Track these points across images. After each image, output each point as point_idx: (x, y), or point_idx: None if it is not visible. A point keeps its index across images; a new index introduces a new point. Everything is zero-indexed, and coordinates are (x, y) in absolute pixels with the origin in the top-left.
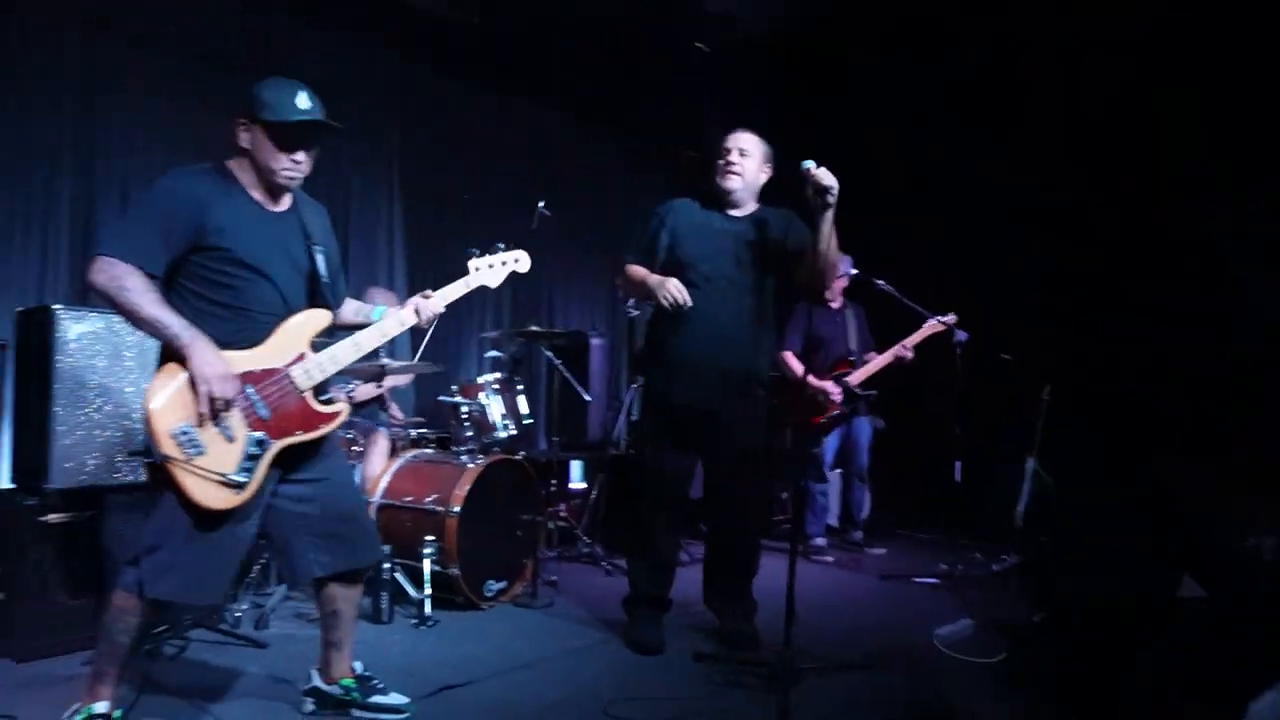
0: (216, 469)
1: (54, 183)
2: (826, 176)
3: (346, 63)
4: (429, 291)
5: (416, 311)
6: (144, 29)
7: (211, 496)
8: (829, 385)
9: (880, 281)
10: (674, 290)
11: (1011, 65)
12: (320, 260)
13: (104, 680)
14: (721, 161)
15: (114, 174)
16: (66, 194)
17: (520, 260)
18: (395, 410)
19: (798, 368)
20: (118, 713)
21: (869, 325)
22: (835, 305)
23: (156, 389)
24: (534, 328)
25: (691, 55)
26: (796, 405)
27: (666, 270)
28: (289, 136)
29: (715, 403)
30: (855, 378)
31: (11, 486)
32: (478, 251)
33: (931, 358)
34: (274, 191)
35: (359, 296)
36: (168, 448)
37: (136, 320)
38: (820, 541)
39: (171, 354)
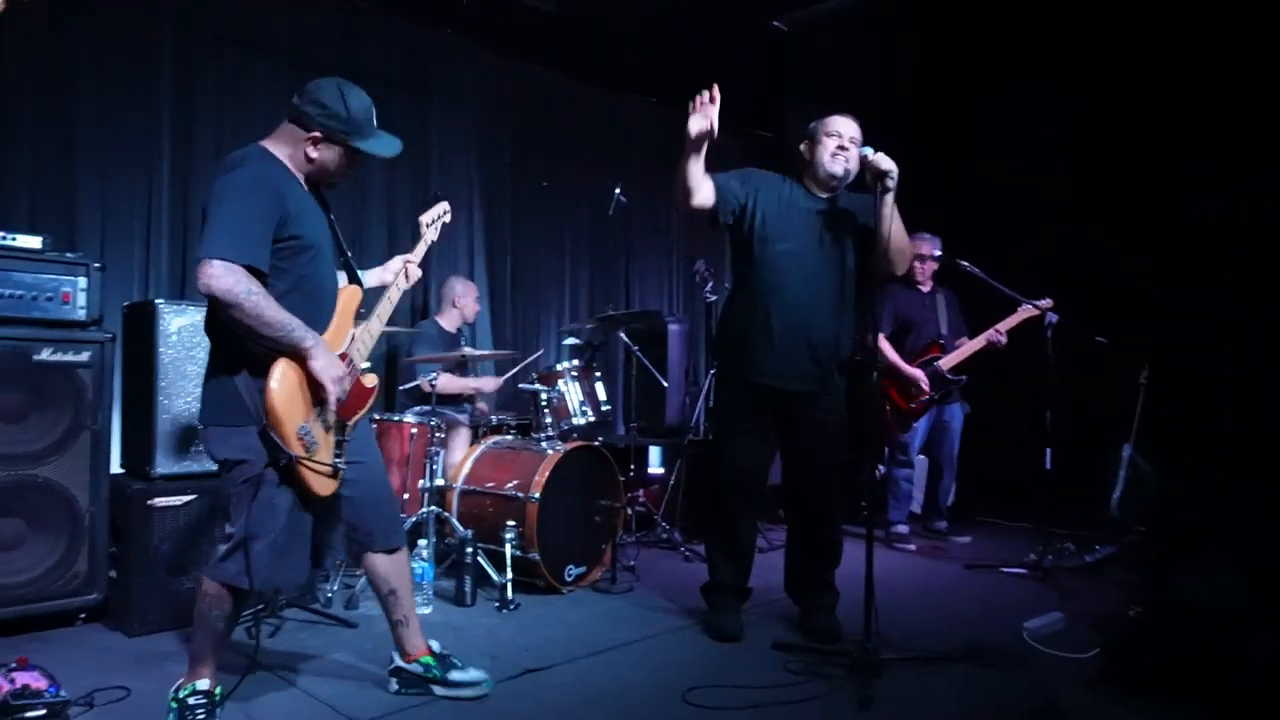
0: (326, 459)
1: (153, 181)
2: (885, 161)
3: (427, 53)
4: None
5: (406, 274)
6: (235, 28)
7: (322, 485)
8: (918, 373)
9: (965, 263)
10: (702, 110)
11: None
12: (338, 235)
13: (205, 658)
14: (834, 146)
15: (209, 172)
16: (165, 192)
17: (446, 212)
18: (482, 404)
19: (889, 352)
20: (219, 689)
21: (962, 309)
22: (925, 288)
23: (277, 392)
24: (611, 313)
25: (769, 34)
26: (887, 390)
27: (750, 244)
28: (361, 157)
29: (801, 384)
30: (946, 362)
31: (122, 471)
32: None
33: (1023, 340)
34: (313, 183)
35: (441, 288)
36: (297, 447)
37: (260, 325)
38: (903, 529)
39: (241, 343)
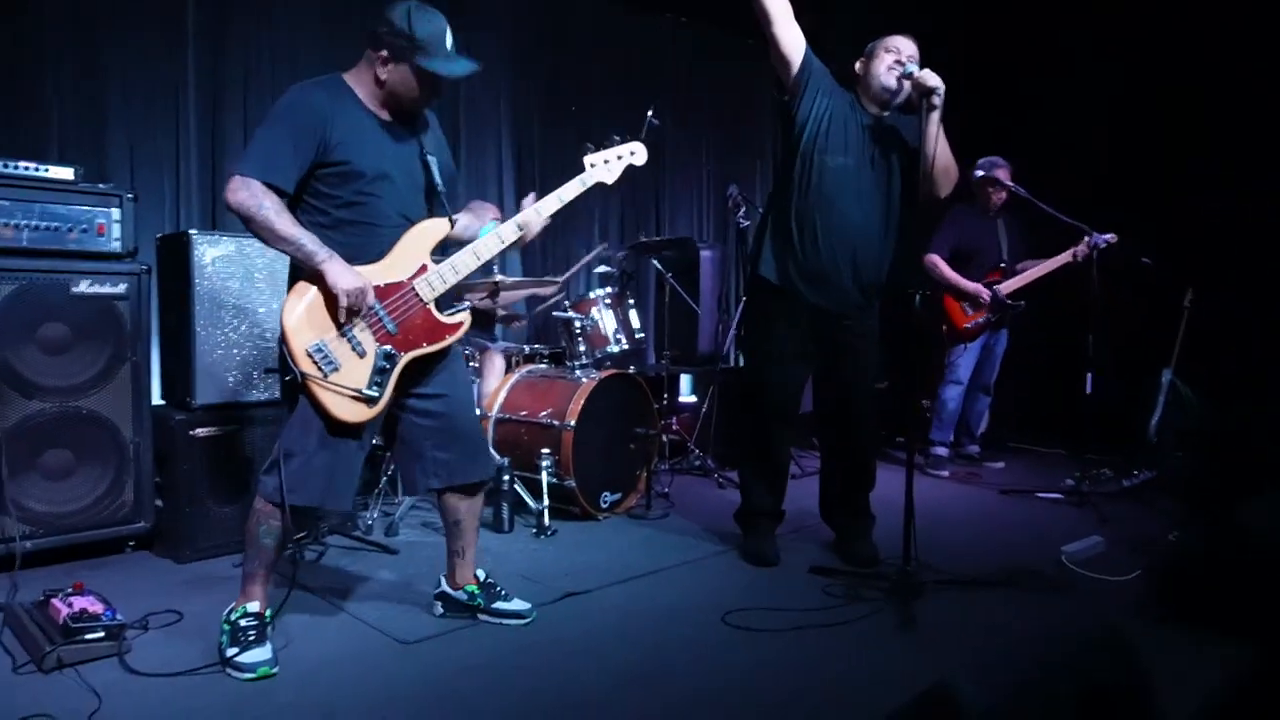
0: (351, 384)
1: (181, 114)
2: (931, 77)
3: None
4: (534, 195)
5: (537, 212)
6: None
7: (347, 410)
8: (978, 286)
9: (1019, 189)
10: None
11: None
12: (435, 170)
13: (255, 581)
14: (891, 60)
15: (237, 103)
16: (193, 121)
17: (636, 153)
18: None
19: (946, 271)
20: (269, 611)
21: (1025, 236)
22: (990, 214)
23: (290, 308)
24: (643, 240)
25: None
26: (942, 309)
27: (804, 149)
28: (439, 83)
29: (842, 306)
30: (1006, 287)
31: (162, 403)
32: (593, 147)
33: (1066, 266)
34: (399, 115)
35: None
36: (305, 365)
37: (272, 239)
38: (943, 451)
39: (301, 273)
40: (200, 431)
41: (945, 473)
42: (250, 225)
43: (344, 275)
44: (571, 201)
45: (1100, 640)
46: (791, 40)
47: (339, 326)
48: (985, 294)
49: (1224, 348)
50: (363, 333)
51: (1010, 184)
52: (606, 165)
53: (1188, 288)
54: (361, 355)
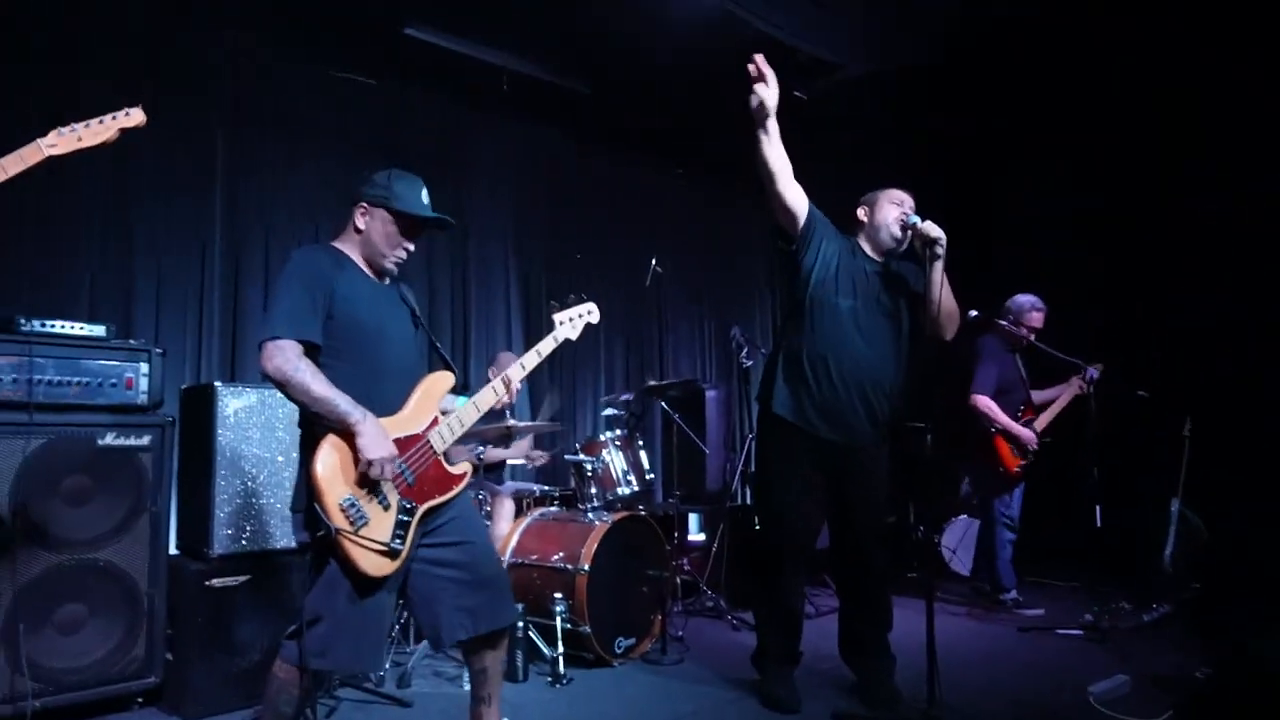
0: (378, 538)
1: (206, 266)
2: (933, 229)
3: (464, 130)
4: (512, 354)
5: (521, 366)
6: (282, 112)
7: (373, 564)
8: (1029, 433)
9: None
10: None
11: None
12: (424, 328)
13: None
14: (898, 213)
15: (258, 256)
16: (217, 276)
17: (593, 312)
18: (533, 451)
19: (1001, 415)
20: None
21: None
22: (1016, 349)
23: (321, 462)
24: (650, 383)
25: (790, 104)
26: (992, 452)
27: (812, 292)
28: (411, 227)
29: (860, 442)
30: (1040, 423)
31: (177, 552)
32: (558, 305)
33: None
34: (379, 272)
35: (483, 360)
36: (339, 520)
37: (308, 401)
38: (1014, 595)
39: (325, 427)
40: (216, 582)
41: (1040, 610)
42: (286, 389)
43: (377, 443)
44: (574, 345)
45: None
46: (794, 198)
47: (365, 481)
48: (1034, 440)
49: (1227, 472)
50: (386, 486)
51: (1038, 327)
52: (571, 323)
53: (1186, 416)
54: (386, 508)
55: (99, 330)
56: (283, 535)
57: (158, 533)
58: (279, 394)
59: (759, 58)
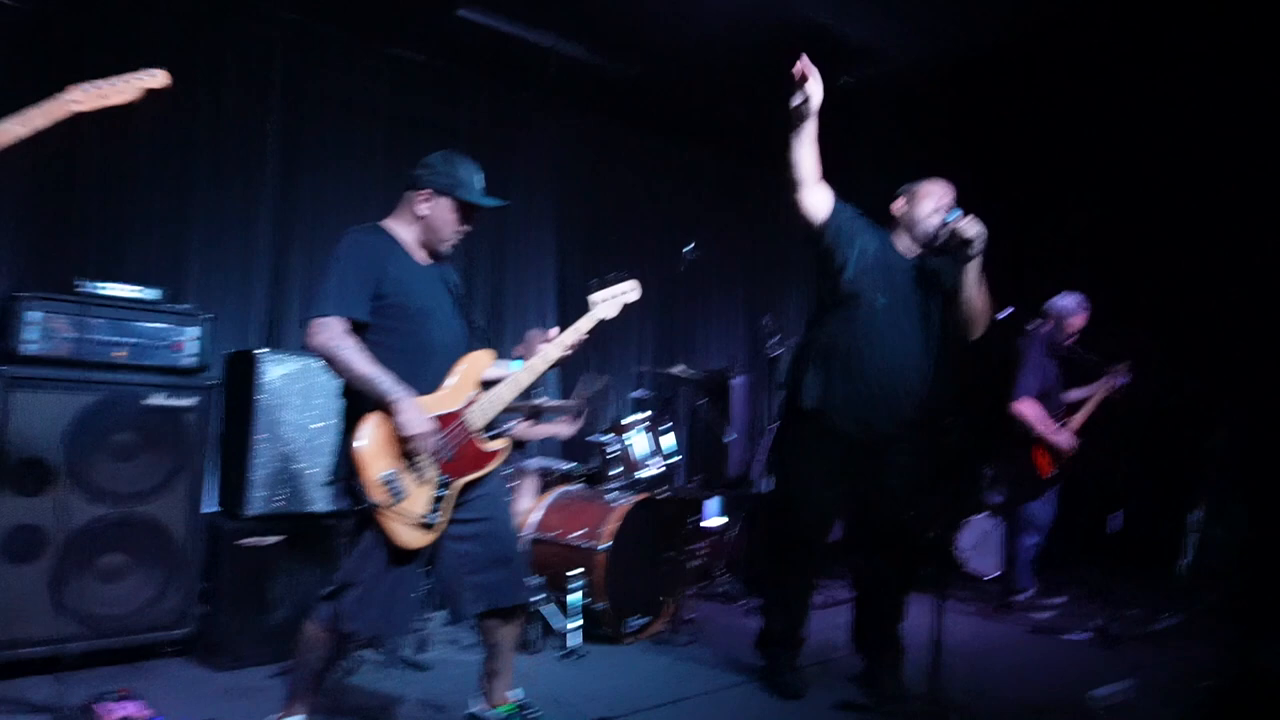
0: (416, 511)
1: (255, 237)
2: (972, 226)
3: (511, 111)
4: (554, 331)
5: (559, 344)
6: (337, 91)
7: (410, 537)
8: (1068, 440)
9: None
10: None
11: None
12: (467, 308)
13: (300, 698)
14: (934, 206)
15: (304, 227)
16: (266, 247)
17: (631, 291)
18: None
19: (1044, 423)
20: None
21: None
22: (1057, 352)
23: (362, 438)
24: (680, 367)
25: (836, 91)
26: (1025, 458)
27: (845, 288)
28: (471, 213)
29: (884, 437)
30: (1074, 426)
31: (216, 510)
32: (597, 283)
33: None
34: (433, 254)
35: (516, 335)
36: (378, 494)
37: (350, 377)
38: (1029, 594)
39: (364, 402)
40: (249, 541)
41: (1056, 606)
42: (332, 364)
43: (416, 419)
44: (608, 325)
45: None
46: (815, 204)
47: (406, 457)
48: (1072, 446)
49: (1259, 481)
50: (425, 461)
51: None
52: (608, 302)
53: (1218, 426)
54: (423, 483)
55: (153, 294)
56: (316, 500)
57: (196, 490)
58: (319, 363)
59: (804, 58)
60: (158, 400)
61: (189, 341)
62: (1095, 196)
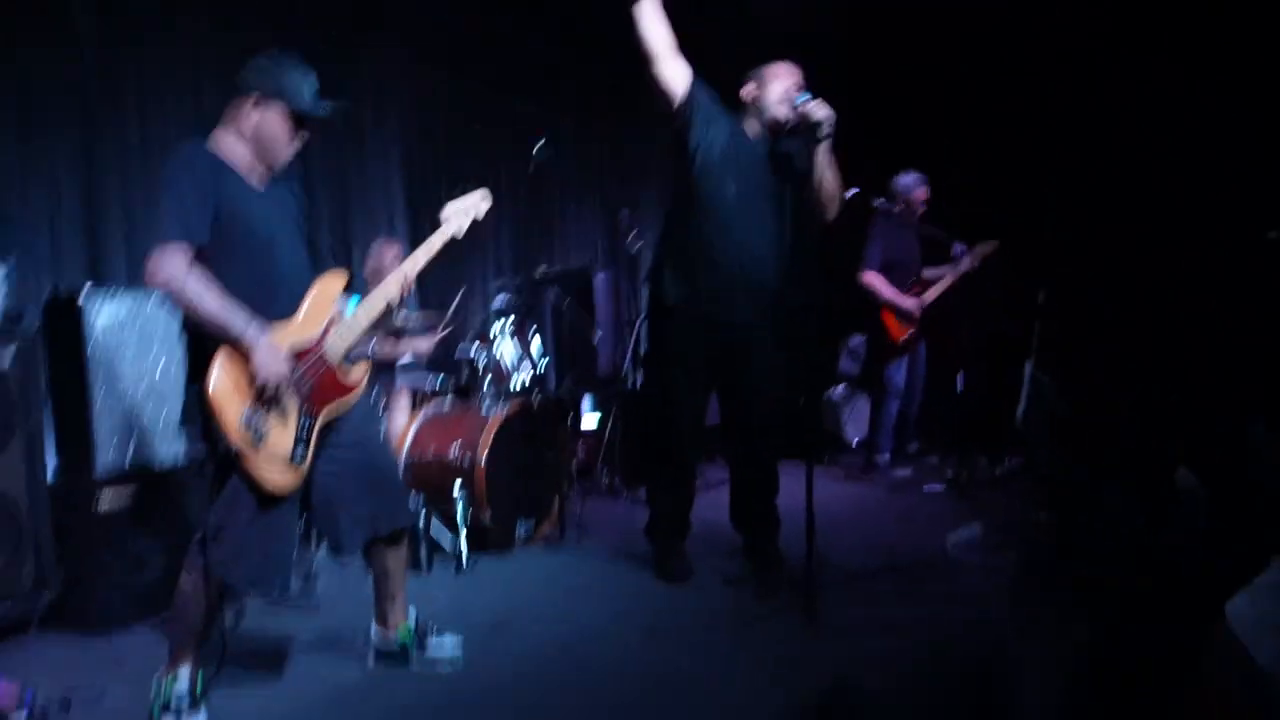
0: (279, 451)
1: (57, 160)
2: (821, 108)
3: (351, 13)
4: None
5: (409, 267)
6: None
7: (277, 479)
8: (913, 302)
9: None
10: None
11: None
12: (310, 230)
13: (183, 651)
14: (781, 90)
15: (118, 139)
16: (75, 167)
17: (482, 202)
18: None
19: (886, 288)
20: (200, 678)
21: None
22: (911, 225)
23: (216, 381)
24: (541, 267)
25: None
26: (876, 324)
27: (697, 173)
28: (304, 123)
29: (743, 322)
30: (929, 296)
31: (59, 478)
32: (447, 194)
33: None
34: (266, 171)
35: (365, 249)
36: (237, 438)
37: (199, 315)
38: (887, 457)
39: (213, 338)
40: (102, 499)
41: (907, 471)
42: (176, 301)
43: (273, 357)
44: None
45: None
46: (674, 75)
47: (263, 394)
48: (918, 310)
49: (1083, 337)
50: (285, 397)
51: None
52: (457, 216)
53: (1040, 289)
54: (285, 421)
55: None
56: (171, 449)
57: (33, 452)
58: (152, 299)
59: None
60: None
61: None
62: (944, 83)
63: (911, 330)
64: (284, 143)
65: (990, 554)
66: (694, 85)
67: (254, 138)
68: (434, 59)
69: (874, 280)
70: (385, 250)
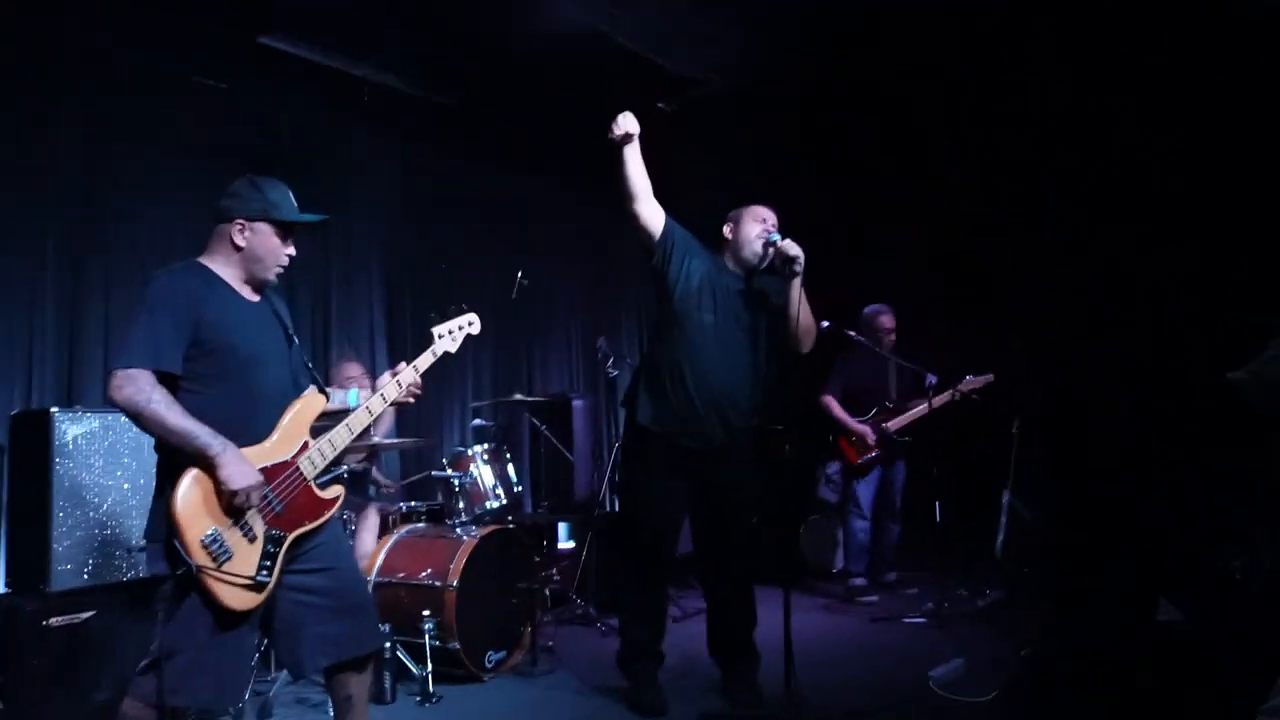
0: (244, 572)
1: (40, 284)
2: (793, 247)
3: (330, 139)
4: (400, 366)
5: (398, 384)
6: (137, 126)
7: (238, 599)
8: (864, 428)
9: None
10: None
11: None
12: (297, 346)
13: None
14: (760, 229)
15: (104, 272)
16: (51, 291)
17: (474, 323)
18: (382, 478)
19: (837, 411)
20: None
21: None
22: (884, 355)
23: (181, 497)
24: (518, 395)
25: (656, 116)
26: (836, 447)
27: (676, 306)
28: (290, 232)
29: (719, 448)
30: (894, 424)
31: (6, 591)
32: (437, 316)
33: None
34: (259, 285)
35: (331, 368)
36: (200, 556)
37: (163, 433)
38: (861, 581)
39: (181, 457)
40: (55, 620)
41: (875, 598)
42: (139, 421)
43: (241, 473)
44: (443, 361)
45: None
46: (651, 216)
47: (230, 514)
48: (870, 434)
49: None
50: (252, 517)
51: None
52: (451, 336)
53: (1015, 417)
54: (251, 540)
55: None
56: (130, 567)
57: None
58: (124, 418)
59: (620, 118)
60: None
61: None
62: (913, 216)
63: (870, 454)
64: (277, 255)
65: (974, 691)
66: (667, 226)
67: (246, 257)
68: (407, 187)
69: (829, 403)
70: (346, 368)
